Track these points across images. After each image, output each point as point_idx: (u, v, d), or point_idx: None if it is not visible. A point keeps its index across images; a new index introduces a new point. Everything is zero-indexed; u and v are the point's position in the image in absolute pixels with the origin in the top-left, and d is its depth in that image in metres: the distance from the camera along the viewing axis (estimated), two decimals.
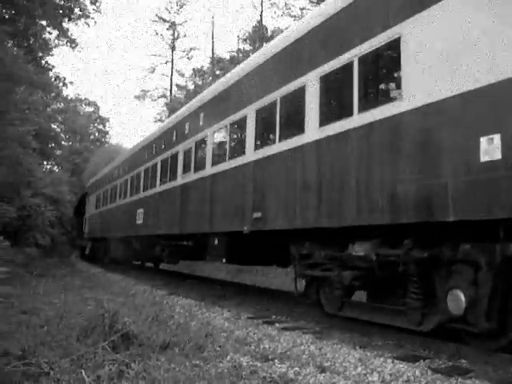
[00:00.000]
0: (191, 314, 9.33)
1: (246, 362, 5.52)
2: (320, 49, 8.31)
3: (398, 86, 6.59)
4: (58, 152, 51.59)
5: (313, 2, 26.63)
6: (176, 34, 49.65)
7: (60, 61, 79.63)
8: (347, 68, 7.52)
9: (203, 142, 13.16)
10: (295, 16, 30.12)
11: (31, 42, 21.20)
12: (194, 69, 50.09)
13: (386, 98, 6.94)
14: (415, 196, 6.08)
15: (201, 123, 13.42)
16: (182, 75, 51.54)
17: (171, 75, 49.90)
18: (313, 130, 8.18)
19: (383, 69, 7.31)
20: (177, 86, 50.59)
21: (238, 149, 11.09)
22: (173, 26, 49.23)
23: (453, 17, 5.80)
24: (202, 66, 49.65)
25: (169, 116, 33.21)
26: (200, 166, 13.20)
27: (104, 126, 70.86)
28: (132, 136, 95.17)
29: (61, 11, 21.15)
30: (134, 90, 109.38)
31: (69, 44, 24.83)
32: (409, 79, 6.36)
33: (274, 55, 9.89)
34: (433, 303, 6.57)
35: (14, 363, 4.74)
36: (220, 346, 6.28)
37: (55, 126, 52.54)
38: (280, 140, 9.24)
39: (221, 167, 11.80)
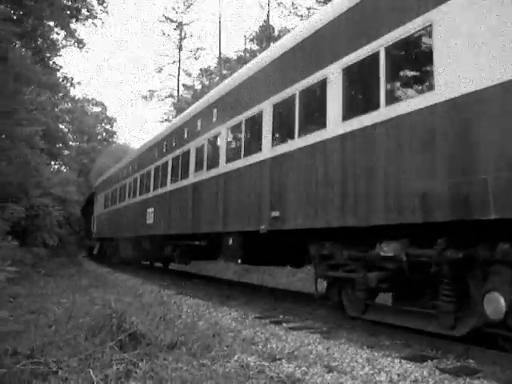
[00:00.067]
0: (198, 314, 9.34)
1: (254, 361, 5.52)
2: (343, 39, 7.94)
3: (430, 77, 6.22)
4: (66, 152, 51.84)
5: (320, 2, 26.57)
6: (183, 34, 49.69)
7: (68, 61, 79.97)
8: (373, 59, 7.15)
9: (216, 138, 12.79)
10: (302, 15, 30.05)
11: (39, 43, 21.28)
12: (201, 69, 50.19)
13: (416, 89, 6.61)
14: (451, 193, 5.72)
15: (214, 120, 12.98)
16: (189, 75, 51.62)
17: (178, 75, 49.95)
18: (336, 125, 7.79)
19: (413, 58, 6.89)
20: (184, 85, 50.65)
21: (254, 145, 10.64)
22: (180, 26, 49.26)
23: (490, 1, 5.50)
24: (209, 66, 49.73)
25: (176, 116, 33.21)
26: (213, 163, 12.76)
27: (111, 126, 71.18)
28: (139, 136, 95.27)
29: (68, 12, 21.23)
30: (141, 90, 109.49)
31: (76, 44, 24.95)
32: (442, 69, 6.01)
33: (292, 48, 9.48)
34: (467, 306, 6.28)
35: (22, 362, 4.78)
36: (227, 346, 6.29)
37: (63, 126, 52.86)
38: (300, 135, 8.85)
39: (235, 165, 11.39)
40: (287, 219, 8.99)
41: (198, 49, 50.28)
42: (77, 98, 61.01)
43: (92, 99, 68.53)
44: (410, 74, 6.98)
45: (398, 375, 5.14)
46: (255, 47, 37.68)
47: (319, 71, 8.39)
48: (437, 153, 5.95)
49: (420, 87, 6.56)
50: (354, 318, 8.34)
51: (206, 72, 48.69)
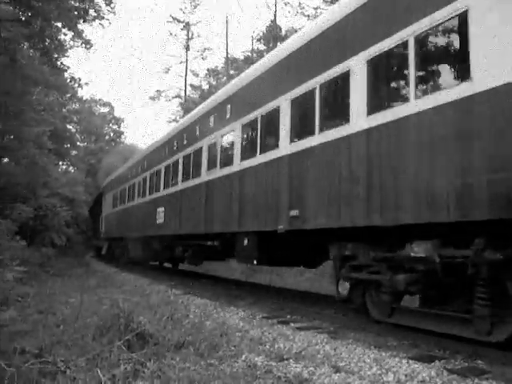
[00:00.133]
0: (206, 314, 9.35)
1: (261, 361, 5.53)
2: (368, 29, 7.54)
3: (466, 66, 5.82)
4: (74, 152, 52.02)
5: (327, 2, 26.54)
6: (190, 35, 49.77)
7: (75, 62, 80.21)
8: (401, 48, 6.81)
9: (230, 135, 12.36)
10: (309, 15, 30.03)
11: (47, 44, 21.34)
12: (208, 69, 50.25)
13: (449, 79, 6.23)
14: (490, 190, 5.39)
15: (227, 116, 12.59)
16: (197, 75, 51.72)
17: (185, 75, 50.01)
18: (360, 119, 7.43)
19: (446, 47, 6.42)
20: (191, 86, 50.72)
21: (271, 142, 10.27)
22: (187, 26, 49.35)
23: None
24: (217, 66, 49.78)
25: (183, 116, 33.23)
26: (227, 161, 12.37)
27: (119, 127, 71.34)
28: (146, 136, 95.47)
29: (76, 13, 21.28)
30: (148, 91, 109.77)
31: (83, 45, 25.00)
32: (480, 57, 5.63)
33: (312, 40, 9.10)
34: (505, 311, 5.97)
35: (31, 361, 4.80)
36: (235, 346, 6.30)
37: (70, 127, 53.00)
38: (320, 131, 8.45)
39: (251, 162, 10.99)
40: (307, 218, 8.64)
41: (205, 49, 50.38)
42: (84, 98, 61.25)
43: (99, 100, 68.82)
44: (442, 63, 6.56)
45: (406, 375, 5.13)
46: (262, 47, 37.67)
47: (342, 63, 8.02)
48: (475, 147, 5.61)
49: (454, 77, 6.22)
50: (377, 322, 8.02)
51: (213, 72, 48.73)
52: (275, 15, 35.73)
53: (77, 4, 21.39)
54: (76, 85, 32.79)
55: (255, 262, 10.83)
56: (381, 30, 7.23)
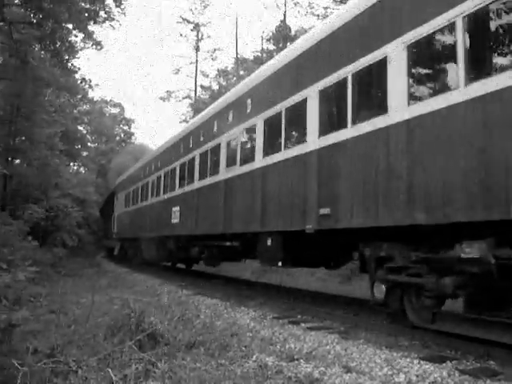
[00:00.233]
0: (217, 314, 9.37)
1: (272, 361, 5.53)
2: (409, 11, 6.96)
3: None
4: (85, 153, 52.40)
5: (336, 1, 26.48)
6: (200, 35, 49.84)
7: (85, 63, 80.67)
8: (446, 32, 6.29)
9: (251, 130, 11.70)
10: (319, 15, 29.98)
11: (58, 45, 21.48)
12: (218, 69, 50.33)
13: (504, 63, 5.65)
14: None
15: (248, 110, 11.92)
16: (207, 76, 51.77)
17: (195, 76, 50.11)
18: (400, 109, 6.87)
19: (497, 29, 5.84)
20: (201, 86, 50.81)
21: (297, 136, 9.74)
22: (197, 27, 49.43)
23: None
24: (226, 67, 49.87)
25: (193, 116, 33.29)
26: (248, 157, 11.77)
27: (129, 127, 71.65)
28: (157, 137, 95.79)
29: (86, 14, 21.42)
30: (158, 91, 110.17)
31: (94, 46, 25.18)
32: None
33: (341, 28, 8.54)
34: None
35: (43, 361, 4.84)
36: (245, 346, 6.30)
37: (81, 128, 53.42)
38: (354, 123, 7.85)
39: (274, 158, 10.40)
40: (340, 217, 8.06)
41: (214, 49, 50.41)
42: (95, 99, 61.61)
43: (110, 100, 69.14)
44: (495, 46, 5.97)
45: (417, 376, 5.11)
46: (272, 47, 37.68)
47: (378, 50, 7.42)
48: None
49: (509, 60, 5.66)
50: (415, 327, 7.49)
51: (223, 73, 48.81)
52: (285, 15, 35.75)
53: (87, 6, 21.53)
54: (87, 86, 33.02)
55: (280, 264, 10.35)
56: (425, 11, 6.66)
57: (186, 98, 51.45)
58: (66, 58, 23.24)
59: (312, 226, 8.80)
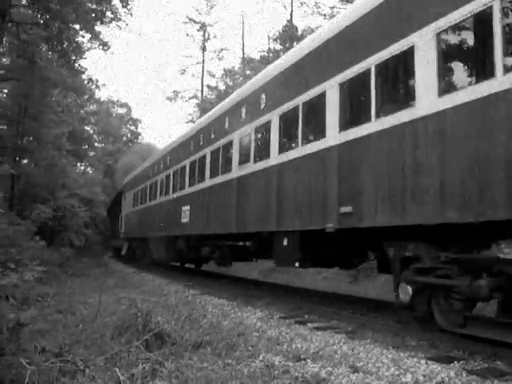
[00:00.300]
0: (224, 314, 9.38)
1: (279, 361, 5.53)
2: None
3: None
4: (91, 153, 52.59)
5: (343, 0, 26.46)
6: (206, 35, 49.90)
7: (92, 63, 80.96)
8: (483, 16, 5.85)
9: (266, 126, 11.25)
10: (325, 15, 29.94)
11: (65, 46, 21.59)
12: (224, 69, 50.37)
13: None
14: None
15: (262, 106, 11.48)
16: (213, 76, 51.84)
17: (202, 76, 50.18)
18: (430, 101, 6.49)
19: None
20: (208, 86, 50.88)
21: (315, 132, 9.27)
22: (203, 27, 49.49)
23: None
24: (233, 67, 49.90)
25: (200, 116, 33.32)
26: (262, 154, 11.35)
27: (136, 128, 71.80)
28: (163, 137, 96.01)
29: (93, 15, 21.51)
30: (165, 91, 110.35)
31: (101, 47, 25.26)
32: None
33: (363, 17, 8.11)
34: None
35: (51, 360, 4.87)
36: (252, 346, 6.31)
37: (88, 128, 53.61)
38: (378, 116, 7.45)
39: (291, 155, 9.99)
40: (363, 215, 7.67)
41: (221, 49, 50.44)
42: (102, 99, 61.83)
43: (117, 101, 69.35)
44: None
45: (424, 376, 5.09)
46: (279, 47, 37.68)
47: (404, 39, 7.06)
48: None
49: None
50: (442, 331, 7.08)
51: (229, 73, 48.85)
52: (291, 15, 35.72)
53: (94, 6, 21.62)
54: (93, 86, 33.11)
55: (297, 265, 9.93)
56: None
57: (192, 98, 51.54)
58: (73, 58, 23.34)
59: (333, 225, 8.41)
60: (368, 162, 7.63)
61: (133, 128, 71.45)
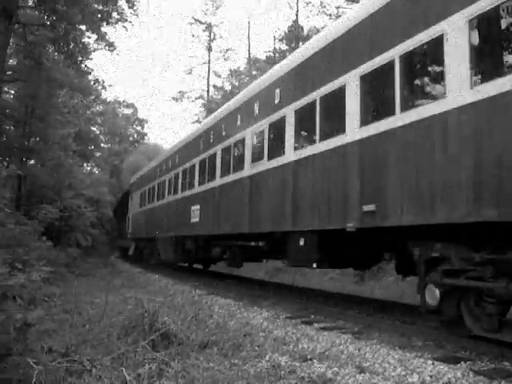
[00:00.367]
0: (230, 314, 9.38)
1: (285, 361, 5.53)
2: None
3: None
4: (98, 154, 52.72)
5: (348, 0, 26.43)
6: (212, 36, 49.96)
7: (98, 64, 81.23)
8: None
9: (280, 122, 10.84)
10: (331, 14, 29.92)
11: (71, 47, 21.67)
12: (230, 69, 50.47)
13: None
14: None
15: (276, 101, 11.09)
16: (219, 76, 51.92)
17: (208, 76, 50.25)
18: (461, 92, 6.09)
19: None
20: (214, 86, 50.96)
21: (334, 127, 8.90)
22: (209, 27, 49.56)
23: None
24: (239, 67, 49.97)
25: (206, 117, 33.34)
26: (276, 151, 10.96)
27: (142, 128, 71.96)
28: (170, 138, 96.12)
29: (99, 16, 21.58)
30: (171, 92, 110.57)
31: (107, 47, 25.35)
32: None
33: (385, 6, 7.73)
34: None
35: (58, 360, 4.88)
36: (258, 346, 6.31)
37: (95, 129, 53.74)
38: (403, 110, 7.08)
39: (307, 151, 9.61)
40: (388, 214, 7.27)
41: (227, 50, 50.50)
42: (108, 100, 61.99)
43: (123, 101, 69.52)
44: None
45: (431, 376, 5.08)
46: (284, 47, 37.69)
47: (431, 27, 6.66)
48: None
49: None
50: (472, 337, 6.68)
51: (235, 73, 48.91)
52: (297, 15, 35.71)
53: (100, 7, 21.68)
54: (100, 87, 33.20)
55: (315, 266, 9.58)
56: None
57: (198, 98, 51.61)
58: (80, 59, 23.42)
59: (353, 225, 8.04)
60: (393, 157, 7.25)
61: (139, 128, 71.65)
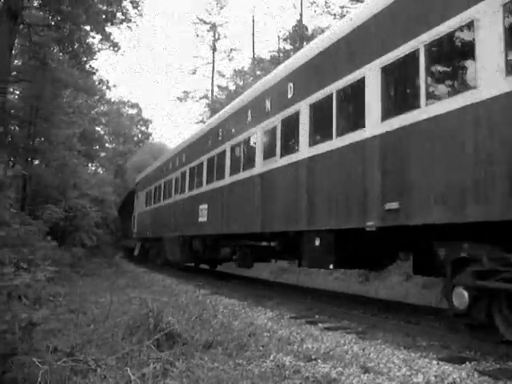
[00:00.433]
0: (234, 314, 9.38)
1: (289, 361, 5.53)
2: None
3: None
4: (102, 154, 52.83)
5: (353, 0, 26.39)
6: (217, 36, 50.00)
7: (102, 64, 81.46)
8: None
9: (293, 117, 10.46)
10: (335, 14, 29.89)
11: (75, 47, 21.74)
12: (234, 69, 50.50)
13: None
14: None
15: (289, 95, 10.71)
16: (223, 76, 51.97)
17: (212, 76, 50.28)
18: (495, 82, 5.71)
19: None
20: (218, 86, 50.99)
21: (353, 121, 8.55)
22: (213, 27, 49.58)
23: None
24: (243, 67, 49.98)
25: (210, 117, 33.35)
26: (290, 148, 10.63)
27: (147, 128, 72.05)
28: (174, 137, 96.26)
29: (104, 16, 21.63)
30: (175, 92, 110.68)
31: (111, 48, 25.39)
32: None
33: None
34: None
35: (63, 359, 4.90)
36: (263, 346, 6.31)
37: (99, 129, 53.85)
38: (429, 103, 6.71)
39: (323, 147, 9.20)
40: (413, 212, 6.89)
41: (231, 50, 50.56)
42: (112, 100, 62.12)
43: (128, 101, 69.64)
44: None
45: (436, 377, 5.07)
46: (289, 47, 37.67)
47: (463, 12, 6.25)
48: None
49: None
50: (506, 342, 6.28)
51: (239, 73, 48.92)
52: (301, 15, 35.68)
53: (104, 7, 21.73)
54: (104, 87, 33.25)
55: (331, 267, 9.25)
56: None
57: (203, 98, 51.67)
58: (84, 59, 23.49)
59: (374, 223, 7.69)
60: (419, 152, 6.84)
61: (143, 128, 71.74)
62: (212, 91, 50.19)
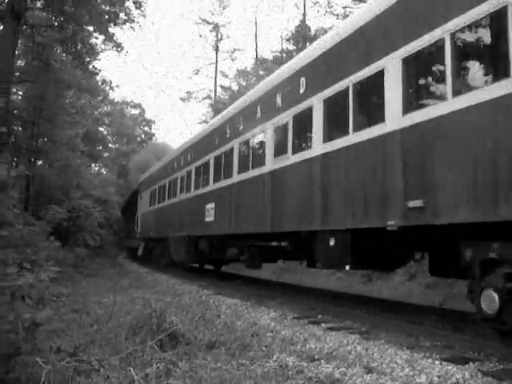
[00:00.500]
0: (237, 314, 9.39)
1: (292, 361, 5.53)
2: None
3: None
4: (106, 154, 52.91)
5: (355, 0, 26.37)
6: (219, 36, 50.02)
7: (106, 64, 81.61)
8: None
9: (306, 113, 10.07)
10: (338, 15, 29.86)
11: (79, 48, 21.77)
12: (237, 70, 50.47)
13: None
14: None
15: (302, 90, 10.31)
16: (226, 76, 51.97)
17: (215, 76, 50.29)
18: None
19: None
20: (221, 87, 51.00)
21: (370, 116, 8.26)
22: (216, 27, 49.59)
23: None
24: (246, 67, 49.97)
25: (214, 117, 33.36)
26: (302, 144, 10.37)
27: (150, 128, 72.12)
28: (177, 138, 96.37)
29: (107, 17, 21.65)
30: (179, 92, 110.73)
31: (115, 48, 25.41)
32: None
33: None
34: None
35: (66, 359, 4.90)
36: (266, 346, 6.31)
37: (102, 129, 53.94)
38: (457, 94, 6.30)
39: (339, 143, 8.82)
40: (439, 210, 6.47)
41: (234, 50, 50.55)
42: (115, 100, 62.21)
43: (131, 101, 69.75)
44: None
45: (439, 377, 5.07)
46: (292, 47, 37.67)
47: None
48: None
49: None
50: None
51: (242, 73, 48.91)
52: (304, 15, 35.67)
53: (107, 8, 21.75)
54: (107, 87, 33.29)
55: (347, 268, 8.83)
56: None
57: (206, 98, 51.68)
58: (87, 59, 23.52)
59: (395, 222, 7.26)
60: (447, 146, 6.42)
61: (146, 129, 71.83)
62: (215, 91, 50.24)
